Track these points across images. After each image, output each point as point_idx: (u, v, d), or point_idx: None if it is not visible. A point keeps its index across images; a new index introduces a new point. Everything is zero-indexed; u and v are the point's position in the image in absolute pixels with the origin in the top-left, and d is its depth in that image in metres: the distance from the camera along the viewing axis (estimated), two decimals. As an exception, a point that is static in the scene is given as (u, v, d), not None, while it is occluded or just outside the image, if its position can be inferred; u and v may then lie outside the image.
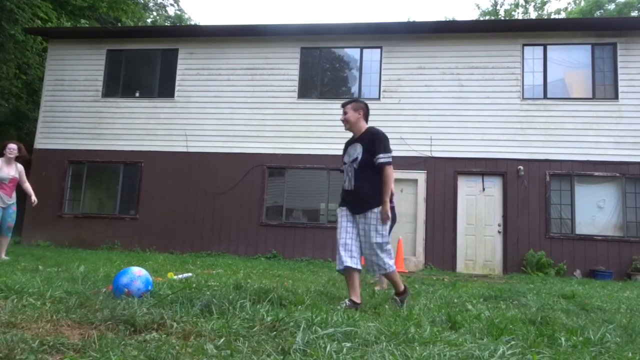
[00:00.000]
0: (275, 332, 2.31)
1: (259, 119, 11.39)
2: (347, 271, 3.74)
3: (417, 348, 2.12)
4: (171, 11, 26.39)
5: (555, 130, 10.52)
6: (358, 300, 3.60)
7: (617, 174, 10.25)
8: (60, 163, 11.92)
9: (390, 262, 3.75)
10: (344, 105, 3.97)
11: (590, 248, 10.07)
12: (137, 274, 3.21)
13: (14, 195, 6.96)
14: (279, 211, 11.20)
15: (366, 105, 4.00)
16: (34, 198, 7.18)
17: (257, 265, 8.20)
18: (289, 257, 10.70)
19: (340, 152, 4.11)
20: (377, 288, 5.23)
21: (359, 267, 3.77)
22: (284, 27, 11.85)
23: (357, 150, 3.81)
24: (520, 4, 29.10)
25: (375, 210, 3.73)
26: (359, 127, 3.90)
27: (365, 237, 3.78)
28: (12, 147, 6.82)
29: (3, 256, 6.71)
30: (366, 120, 3.95)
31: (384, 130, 3.88)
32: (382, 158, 3.70)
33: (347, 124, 3.92)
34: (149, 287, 3.22)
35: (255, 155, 11.28)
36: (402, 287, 3.88)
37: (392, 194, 4.59)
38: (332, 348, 2.01)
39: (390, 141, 3.86)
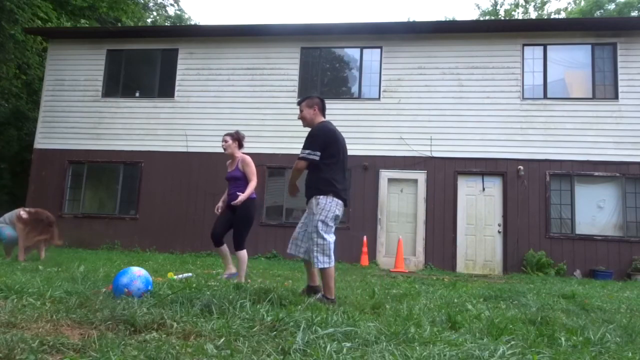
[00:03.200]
0: (275, 332, 2.31)
1: (259, 119, 11.39)
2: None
3: (417, 348, 2.12)
4: (171, 11, 26.41)
5: (555, 130, 10.52)
6: (313, 284, 3.90)
7: (617, 174, 10.25)
8: (60, 163, 11.91)
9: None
10: (299, 104, 4.07)
11: (590, 248, 10.07)
12: (137, 274, 3.22)
13: None
14: (279, 211, 11.20)
15: (321, 100, 4.06)
16: None
17: (257, 265, 8.20)
18: (288, 257, 10.69)
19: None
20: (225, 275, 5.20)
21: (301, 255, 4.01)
22: (284, 27, 11.85)
23: None
24: (520, 4, 29.11)
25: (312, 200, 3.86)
26: (315, 123, 4.00)
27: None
28: None
29: None
30: (323, 114, 4.04)
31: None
32: (301, 153, 3.87)
33: (304, 121, 4.03)
34: (149, 287, 3.22)
35: (255, 155, 11.18)
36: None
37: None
38: (332, 348, 2.01)
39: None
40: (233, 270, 5.29)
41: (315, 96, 4.09)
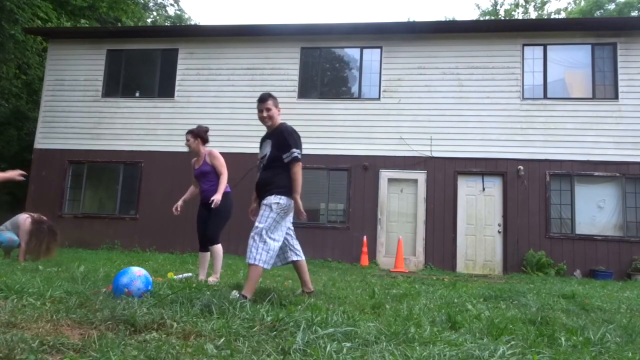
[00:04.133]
0: (275, 332, 2.31)
1: (258, 119, 11.36)
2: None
3: (417, 348, 2.12)
4: (171, 11, 26.40)
5: (555, 130, 10.52)
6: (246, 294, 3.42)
7: (617, 174, 10.25)
8: (60, 163, 11.91)
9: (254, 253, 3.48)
10: (263, 100, 3.92)
11: (590, 248, 10.07)
12: (137, 274, 3.21)
13: None
14: (279, 211, 11.19)
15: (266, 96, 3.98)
16: None
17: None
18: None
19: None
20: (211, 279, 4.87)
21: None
22: (284, 27, 11.85)
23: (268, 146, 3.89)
24: (520, 4, 29.11)
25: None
26: (277, 123, 3.99)
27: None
28: None
29: None
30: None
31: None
32: (294, 153, 3.84)
33: (270, 120, 3.96)
34: (149, 287, 3.22)
35: (255, 155, 11.22)
36: (246, 291, 3.47)
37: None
38: (332, 348, 2.01)
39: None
40: (202, 276, 5.00)
41: (273, 95, 4.00)
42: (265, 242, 3.52)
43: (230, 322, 2.45)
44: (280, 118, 3.95)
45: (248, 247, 3.52)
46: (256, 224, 3.60)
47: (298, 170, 3.79)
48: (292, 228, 3.93)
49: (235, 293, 3.45)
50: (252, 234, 3.57)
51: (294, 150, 3.78)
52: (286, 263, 3.97)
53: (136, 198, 11.62)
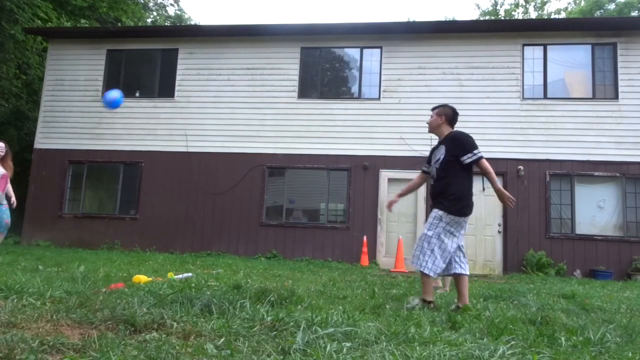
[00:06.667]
0: (275, 332, 2.31)
1: (259, 119, 11.39)
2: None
3: (417, 348, 2.12)
4: (171, 11, 26.39)
5: (555, 130, 10.52)
6: (428, 299, 3.68)
7: (617, 174, 10.24)
8: (60, 163, 11.91)
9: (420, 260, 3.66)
10: (432, 110, 4.18)
11: (590, 248, 10.07)
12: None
13: (3, 193, 6.86)
14: (279, 211, 11.20)
15: (453, 110, 4.07)
16: (13, 200, 7.07)
17: (257, 265, 8.19)
18: (289, 257, 10.69)
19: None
20: (439, 291, 5.13)
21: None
22: (284, 27, 11.85)
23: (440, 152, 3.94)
24: (520, 4, 29.11)
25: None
26: (439, 132, 4.04)
27: None
28: (2, 146, 6.73)
29: None
30: (451, 126, 4.05)
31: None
32: (478, 153, 3.78)
33: (429, 126, 4.11)
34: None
35: (255, 155, 11.28)
36: (427, 297, 3.71)
37: None
38: (332, 348, 2.01)
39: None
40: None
41: (449, 107, 4.10)
42: (432, 250, 3.66)
43: (230, 322, 2.45)
44: (444, 127, 4.05)
45: (414, 251, 3.69)
46: (425, 230, 3.73)
47: (486, 165, 3.79)
48: (463, 244, 3.87)
49: (413, 300, 3.63)
50: (419, 239, 3.72)
51: (475, 151, 3.76)
52: (449, 274, 3.94)
53: (136, 198, 11.62)
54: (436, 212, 3.75)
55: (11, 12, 12.80)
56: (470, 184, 3.86)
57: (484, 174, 3.77)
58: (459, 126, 4.18)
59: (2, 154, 6.69)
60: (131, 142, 11.80)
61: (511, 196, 3.83)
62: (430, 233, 3.69)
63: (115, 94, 5.21)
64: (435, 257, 3.65)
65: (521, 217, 10.31)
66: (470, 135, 3.87)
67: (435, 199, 3.84)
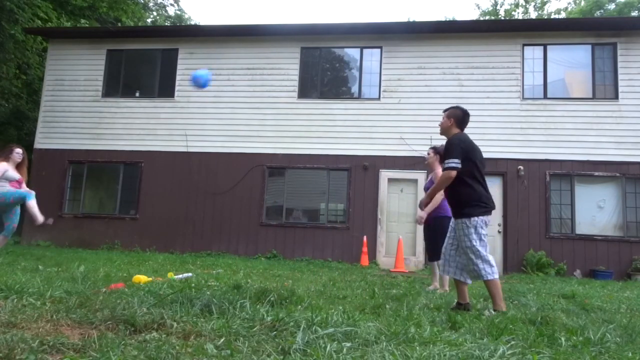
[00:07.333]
0: (275, 332, 2.31)
1: (259, 119, 11.39)
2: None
3: (417, 348, 2.12)
4: (171, 11, 26.40)
5: (555, 130, 10.52)
6: (463, 301, 3.79)
7: (617, 174, 10.24)
8: (60, 163, 11.91)
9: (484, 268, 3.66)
10: (444, 111, 4.13)
11: (590, 248, 10.07)
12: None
13: None
14: (279, 211, 11.20)
15: (463, 112, 4.03)
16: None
17: (257, 265, 8.19)
18: (289, 257, 10.69)
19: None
20: (438, 291, 5.20)
21: (455, 276, 3.89)
22: (284, 27, 11.85)
23: None
24: (520, 4, 29.10)
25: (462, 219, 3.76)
26: (449, 134, 3.99)
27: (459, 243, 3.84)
28: (20, 152, 6.81)
29: None
30: (460, 127, 3.99)
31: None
32: (446, 163, 3.76)
33: (440, 128, 4.08)
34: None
35: (255, 155, 11.28)
36: (499, 305, 3.67)
37: None
38: (332, 348, 2.01)
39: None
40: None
41: (460, 108, 4.07)
42: (480, 257, 3.67)
43: (230, 322, 2.45)
44: (454, 129, 3.97)
45: (471, 267, 3.71)
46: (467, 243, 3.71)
47: (443, 176, 3.76)
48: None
49: (490, 311, 3.61)
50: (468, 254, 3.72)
51: (448, 160, 3.75)
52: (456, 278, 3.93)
53: (136, 198, 11.62)
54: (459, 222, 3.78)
55: (11, 12, 12.80)
56: (476, 184, 3.78)
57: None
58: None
59: (20, 160, 6.76)
60: (131, 142, 11.80)
61: (422, 217, 4.35)
62: (468, 243, 3.70)
63: (203, 73, 5.05)
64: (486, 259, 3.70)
65: (521, 217, 10.31)
66: (465, 140, 3.85)
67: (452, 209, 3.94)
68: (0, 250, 7.03)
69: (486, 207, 3.75)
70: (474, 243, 3.65)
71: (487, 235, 3.78)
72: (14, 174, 6.67)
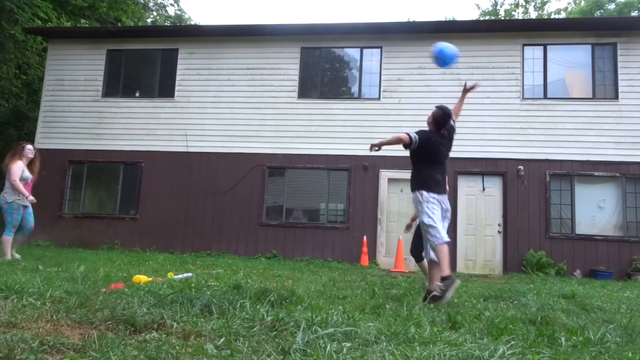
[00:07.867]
0: (275, 332, 2.31)
1: (259, 119, 11.39)
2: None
3: (417, 348, 2.12)
4: (171, 11, 26.39)
5: (555, 130, 10.52)
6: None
7: (617, 174, 10.24)
8: (60, 163, 11.91)
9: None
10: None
11: (590, 248, 10.07)
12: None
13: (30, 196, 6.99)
14: (279, 211, 11.20)
15: (443, 112, 4.51)
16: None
17: (257, 265, 8.19)
18: (289, 257, 10.69)
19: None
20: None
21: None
22: (284, 27, 11.85)
23: None
24: (520, 4, 29.11)
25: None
26: None
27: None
28: (31, 148, 6.87)
29: (15, 254, 6.65)
30: (436, 126, 4.50)
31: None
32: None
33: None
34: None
35: (255, 155, 11.28)
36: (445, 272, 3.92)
37: None
38: (332, 348, 2.01)
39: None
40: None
41: (442, 108, 4.53)
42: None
43: (230, 322, 2.45)
44: (432, 127, 4.56)
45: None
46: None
47: (398, 134, 4.38)
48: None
49: (437, 284, 3.90)
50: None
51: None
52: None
53: (136, 198, 11.62)
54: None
55: (11, 12, 12.80)
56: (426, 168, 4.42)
57: None
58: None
59: (32, 156, 6.83)
60: (131, 142, 11.80)
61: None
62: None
63: (446, 49, 4.68)
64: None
65: (521, 217, 10.31)
66: (426, 135, 4.44)
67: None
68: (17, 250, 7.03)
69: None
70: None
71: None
72: (28, 174, 6.82)
